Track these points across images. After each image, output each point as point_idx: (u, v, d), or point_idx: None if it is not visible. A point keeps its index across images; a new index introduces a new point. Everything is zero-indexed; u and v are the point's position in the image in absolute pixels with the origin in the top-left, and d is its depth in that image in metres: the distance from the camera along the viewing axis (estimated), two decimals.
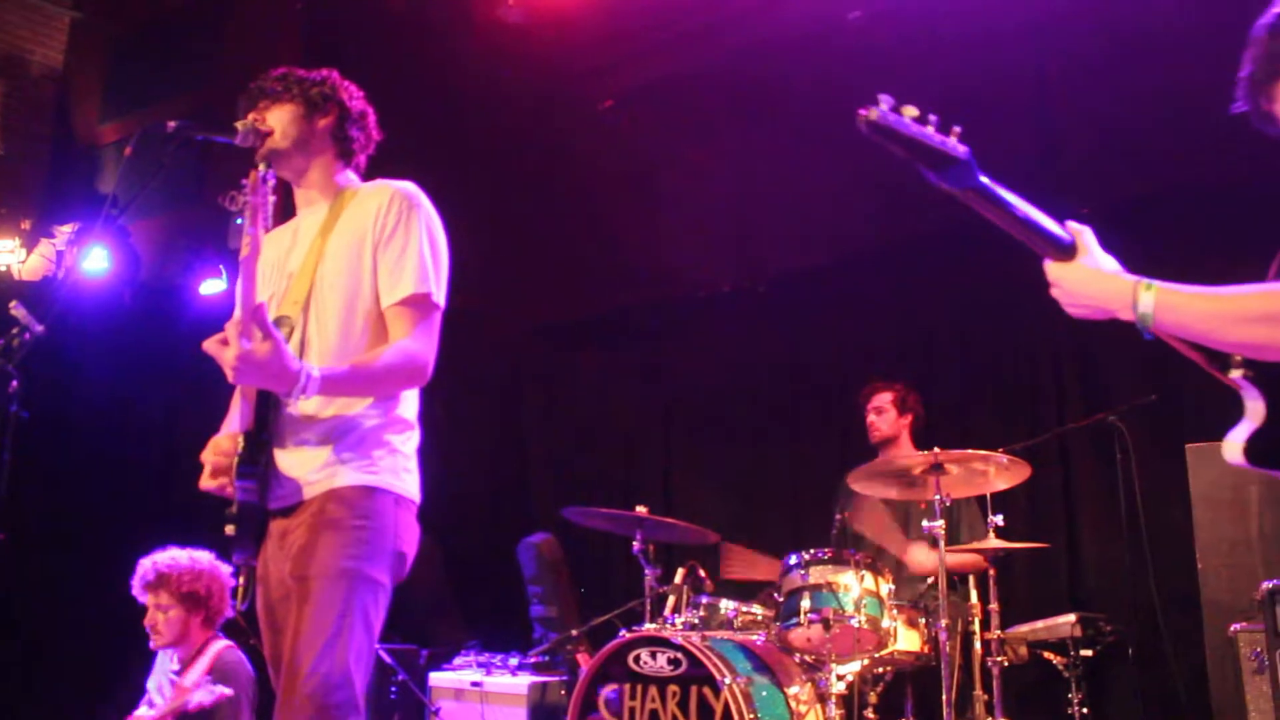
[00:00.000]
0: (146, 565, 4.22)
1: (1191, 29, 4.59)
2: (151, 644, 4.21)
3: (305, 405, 2.66)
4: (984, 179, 1.94)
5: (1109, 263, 2.00)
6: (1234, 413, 2.08)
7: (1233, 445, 2.11)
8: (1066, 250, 2.01)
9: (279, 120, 2.82)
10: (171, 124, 2.69)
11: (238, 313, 2.45)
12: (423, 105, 6.69)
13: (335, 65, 3.04)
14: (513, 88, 6.61)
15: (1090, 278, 1.99)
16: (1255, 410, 2.08)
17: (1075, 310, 2.03)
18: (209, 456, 2.69)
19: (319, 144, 2.89)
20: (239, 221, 2.58)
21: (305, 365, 2.47)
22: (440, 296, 2.76)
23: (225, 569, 4.24)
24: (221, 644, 4.20)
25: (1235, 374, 2.09)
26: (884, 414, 5.40)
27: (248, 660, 4.20)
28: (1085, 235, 2.02)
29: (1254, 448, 2.07)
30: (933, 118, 1.92)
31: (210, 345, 2.45)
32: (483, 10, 6.30)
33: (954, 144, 1.92)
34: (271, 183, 2.59)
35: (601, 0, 6.14)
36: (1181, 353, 2.10)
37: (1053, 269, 2.02)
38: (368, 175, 3.00)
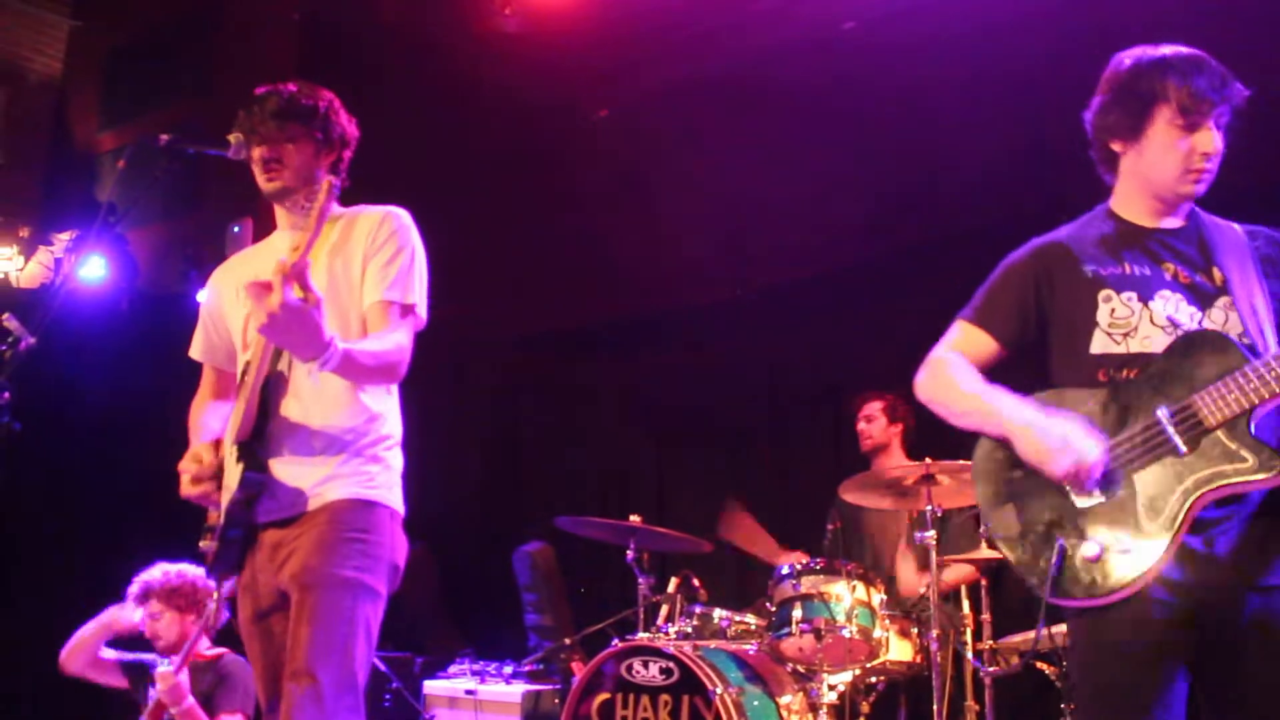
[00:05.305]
0: (135, 584, 4.42)
1: None
2: (156, 651, 4.39)
3: (300, 412, 2.67)
4: None
5: None
6: None
7: None
8: None
9: (295, 161, 2.81)
10: (164, 138, 2.70)
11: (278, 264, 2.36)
12: (419, 114, 6.71)
13: (330, 74, 3.04)
14: (510, 96, 6.63)
15: None
16: None
17: None
18: (188, 465, 2.72)
19: (320, 176, 2.88)
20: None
21: (335, 334, 2.44)
22: (423, 311, 2.79)
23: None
24: (224, 651, 4.35)
25: None
26: (874, 422, 5.44)
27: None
28: None
29: None
30: None
31: (252, 288, 2.37)
32: (479, 20, 6.32)
33: None
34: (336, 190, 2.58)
35: (598, 10, 6.17)
36: None
37: None
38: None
